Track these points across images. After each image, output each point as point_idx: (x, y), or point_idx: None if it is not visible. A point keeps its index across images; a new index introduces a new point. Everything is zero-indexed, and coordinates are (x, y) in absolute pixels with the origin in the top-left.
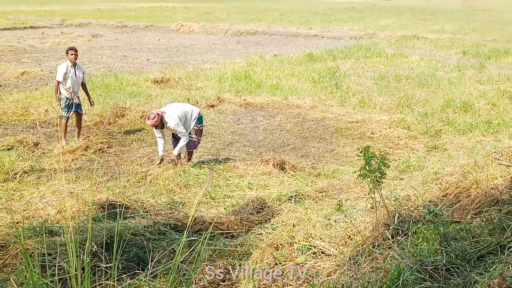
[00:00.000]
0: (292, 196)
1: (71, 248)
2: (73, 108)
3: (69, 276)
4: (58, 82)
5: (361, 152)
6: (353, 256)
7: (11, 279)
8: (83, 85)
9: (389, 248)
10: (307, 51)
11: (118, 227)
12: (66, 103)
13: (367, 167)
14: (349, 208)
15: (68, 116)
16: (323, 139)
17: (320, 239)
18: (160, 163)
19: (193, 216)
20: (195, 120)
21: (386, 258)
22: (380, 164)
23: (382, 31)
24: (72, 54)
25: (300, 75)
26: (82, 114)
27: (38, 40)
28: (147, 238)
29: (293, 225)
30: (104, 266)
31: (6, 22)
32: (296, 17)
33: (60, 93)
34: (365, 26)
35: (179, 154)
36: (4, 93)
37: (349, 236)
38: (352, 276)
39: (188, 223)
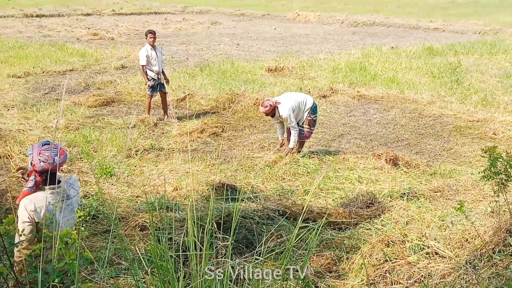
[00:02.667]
0: (404, 194)
1: (191, 224)
2: (158, 88)
3: (188, 250)
4: (143, 66)
5: (485, 152)
6: (470, 260)
7: (136, 248)
8: None
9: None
10: (427, 45)
11: (236, 208)
12: (153, 83)
13: (492, 168)
14: (465, 211)
15: (152, 96)
16: (440, 136)
17: (435, 239)
18: (280, 147)
19: (307, 205)
20: (309, 110)
21: (508, 266)
22: (507, 166)
23: (509, 27)
24: (151, 37)
25: (418, 69)
26: (166, 93)
27: (161, 26)
28: (256, 221)
29: (406, 223)
30: (222, 244)
31: (132, 7)
32: (415, 9)
33: (147, 75)
34: (491, 21)
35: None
36: (129, 75)
37: (466, 239)
38: (469, 280)
39: (303, 211)
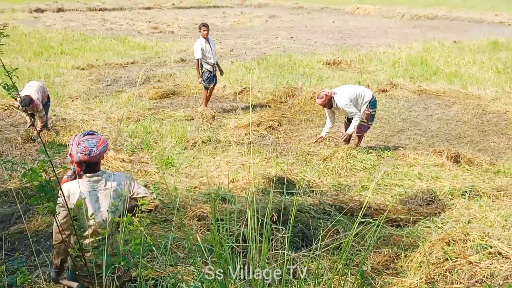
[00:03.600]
0: (466, 192)
1: (251, 215)
2: (214, 80)
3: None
4: (198, 59)
5: None
6: None
7: (198, 238)
8: None
9: None
10: (492, 39)
11: (295, 202)
12: (208, 76)
13: None
14: None
15: (209, 88)
16: (505, 134)
17: (498, 239)
18: (316, 141)
19: (367, 202)
20: (367, 104)
21: None
22: None
23: None
24: (204, 30)
25: (482, 64)
26: (215, 84)
27: (220, 19)
28: (312, 216)
29: (468, 221)
30: (281, 235)
31: (192, 1)
32: (480, 2)
33: (202, 67)
34: None
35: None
36: (188, 68)
37: None
38: None
39: (363, 207)
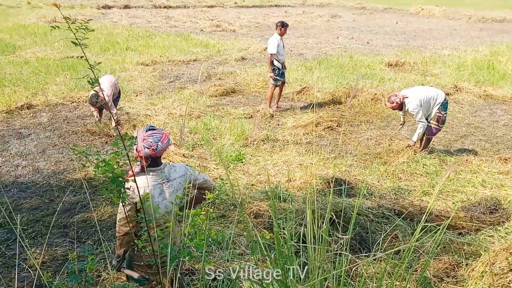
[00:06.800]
0: None
1: (311, 215)
2: (282, 77)
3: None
4: (272, 55)
5: None
6: None
7: (257, 235)
8: None
9: None
10: None
11: (356, 204)
12: (278, 73)
13: None
14: None
15: (277, 85)
16: None
17: None
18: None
19: (430, 207)
20: (439, 106)
21: None
22: None
23: None
24: (284, 30)
25: None
26: (285, 83)
27: (281, 18)
28: (370, 219)
29: None
30: (340, 236)
31: (254, 0)
32: None
33: (273, 64)
34: None
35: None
36: (248, 66)
37: None
38: None
39: (426, 212)
